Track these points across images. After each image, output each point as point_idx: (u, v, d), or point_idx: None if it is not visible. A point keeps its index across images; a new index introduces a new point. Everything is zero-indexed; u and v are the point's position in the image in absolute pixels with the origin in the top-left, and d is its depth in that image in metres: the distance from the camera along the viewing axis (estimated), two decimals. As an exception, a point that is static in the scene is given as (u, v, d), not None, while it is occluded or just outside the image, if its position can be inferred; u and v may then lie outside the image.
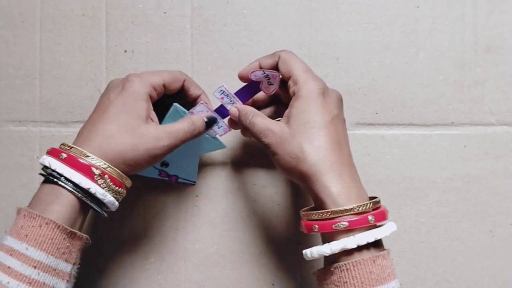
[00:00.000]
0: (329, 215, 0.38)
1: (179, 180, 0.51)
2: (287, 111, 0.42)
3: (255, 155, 0.53)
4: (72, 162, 0.39)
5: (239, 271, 0.53)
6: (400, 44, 0.53)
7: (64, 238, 0.38)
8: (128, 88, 0.42)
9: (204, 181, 0.53)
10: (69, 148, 0.40)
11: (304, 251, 0.40)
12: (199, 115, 0.45)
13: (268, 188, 0.53)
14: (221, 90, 0.45)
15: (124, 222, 0.53)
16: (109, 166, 0.40)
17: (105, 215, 0.41)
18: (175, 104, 0.46)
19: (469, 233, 0.53)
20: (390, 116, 0.53)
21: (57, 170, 0.39)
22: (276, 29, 0.54)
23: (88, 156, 0.39)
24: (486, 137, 0.53)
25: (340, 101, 0.43)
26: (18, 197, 0.53)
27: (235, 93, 0.46)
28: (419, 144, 0.53)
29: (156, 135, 0.42)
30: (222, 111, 0.47)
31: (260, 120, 0.42)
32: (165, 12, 0.54)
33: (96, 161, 0.39)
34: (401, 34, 0.53)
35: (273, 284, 0.53)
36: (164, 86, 0.44)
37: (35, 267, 0.37)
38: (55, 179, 0.39)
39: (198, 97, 0.47)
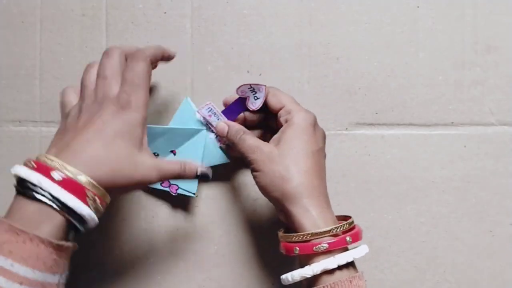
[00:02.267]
0: (309, 237, 0.40)
1: (179, 190, 0.51)
2: (276, 136, 0.45)
3: (255, 155, 0.53)
4: (67, 184, 0.36)
5: (239, 271, 0.53)
6: (400, 44, 0.53)
7: (50, 252, 0.36)
8: (126, 115, 0.40)
9: (204, 181, 0.53)
10: (59, 164, 0.37)
11: (283, 277, 0.42)
12: (194, 165, 0.44)
13: (268, 188, 0.53)
14: (209, 108, 0.47)
15: (124, 222, 0.53)
16: (98, 188, 0.38)
17: (83, 232, 0.39)
18: (188, 98, 0.47)
19: (469, 233, 0.53)
20: (390, 116, 0.53)
21: (51, 192, 0.36)
22: (276, 29, 0.54)
23: (82, 178, 0.37)
24: (486, 137, 0.53)
25: (324, 138, 0.46)
26: (18, 197, 0.53)
27: (222, 112, 0.48)
28: (419, 144, 0.53)
29: (149, 168, 0.41)
30: (229, 113, 0.48)
31: (249, 138, 0.45)
32: (165, 12, 0.54)
33: (90, 185, 0.37)
34: (401, 34, 0.53)
35: (273, 284, 0.53)
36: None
37: (21, 283, 0.35)
38: (46, 200, 0.36)
39: (161, 57, 0.47)
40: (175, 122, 0.50)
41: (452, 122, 0.53)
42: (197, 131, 0.50)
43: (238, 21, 0.54)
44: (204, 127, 0.50)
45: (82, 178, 0.37)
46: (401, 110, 0.53)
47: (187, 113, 0.50)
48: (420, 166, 0.53)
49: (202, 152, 0.50)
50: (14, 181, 0.38)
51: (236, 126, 0.47)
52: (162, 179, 0.42)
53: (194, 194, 0.51)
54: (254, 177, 0.44)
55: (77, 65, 0.54)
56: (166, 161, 0.44)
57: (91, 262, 0.52)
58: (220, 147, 0.50)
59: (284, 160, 0.43)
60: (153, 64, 0.47)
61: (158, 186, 0.51)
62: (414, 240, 0.53)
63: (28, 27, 0.54)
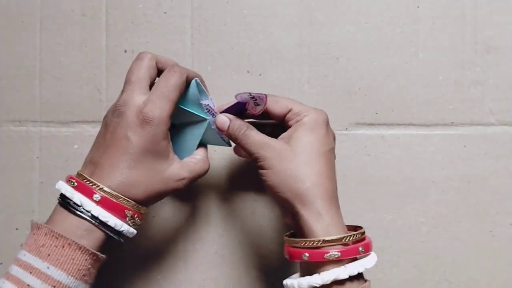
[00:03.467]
0: (321, 243, 0.38)
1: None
2: (286, 133, 0.42)
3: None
4: (106, 204, 0.39)
5: (239, 271, 0.53)
6: (400, 44, 0.53)
7: (86, 260, 0.38)
8: (150, 131, 0.40)
9: (204, 181, 0.53)
10: (99, 188, 0.39)
11: (287, 283, 0.40)
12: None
13: (268, 188, 0.53)
14: (207, 109, 0.44)
15: (124, 222, 0.53)
16: (137, 206, 0.41)
17: (122, 241, 0.42)
18: (196, 80, 0.44)
19: (469, 233, 0.53)
20: (390, 116, 0.53)
21: (92, 212, 0.39)
22: (276, 29, 0.54)
23: (119, 198, 0.40)
24: (486, 137, 0.53)
25: (335, 138, 0.44)
26: (18, 197, 0.53)
27: (222, 112, 0.45)
28: (419, 144, 0.53)
29: (179, 176, 0.42)
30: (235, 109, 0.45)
31: (254, 134, 0.42)
32: (165, 12, 0.54)
33: (128, 203, 0.40)
34: (401, 34, 0.53)
35: (272, 284, 0.53)
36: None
37: (54, 286, 0.37)
38: (88, 219, 0.39)
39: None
40: (182, 102, 0.46)
41: (452, 122, 0.53)
42: (201, 120, 0.46)
43: (238, 21, 0.54)
44: (210, 117, 0.46)
45: (119, 199, 0.40)
46: (401, 110, 0.53)
47: (192, 97, 0.45)
48: (420, 166, 0.53)
49: (197, 143, 0.47)
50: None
51: (237, 122, 0.43)
52: (193, 180, 0.43)
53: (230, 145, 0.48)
54: (262, 175, 0.41)
55: (77, 65, 0.54)
56: (193, 162, 0.44)
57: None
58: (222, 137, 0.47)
59: (297, 159, 0.40)
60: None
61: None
62: (414, 240, 0.53)
63: (28, 27, 0.54)
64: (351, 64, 0.53)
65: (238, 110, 0.45)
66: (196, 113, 0.45)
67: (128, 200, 0.40)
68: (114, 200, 0.39)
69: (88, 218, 0.39)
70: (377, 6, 0.54)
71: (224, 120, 0.44)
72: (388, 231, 0.53)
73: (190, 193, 0.53)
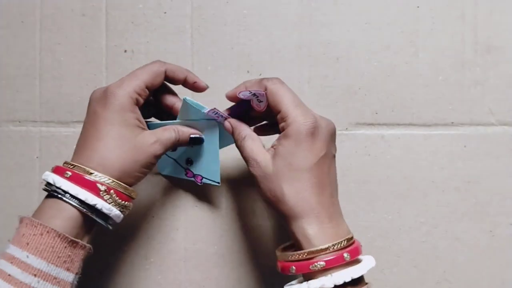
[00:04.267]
0: (306, 255, 0.38)
1: (204, 180, 0.50)
2: (275, 143, 0.41)
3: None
4: (77, 179, 0.40)
5: (239, 271, 0.53)
6: (400, 44, 0.53)
7: (65, 247, 0.38)
8: (113, 102, 0.42)
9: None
10: (72, 166, 0.41)
11: None
12: (186, 130, 0.46)
13: (268, 188, 0.53)
14: (214, 112, 0.45)
15: (124, 222, 0.53)
16: (114, 181, 0.41)
17: (110, 227, 0.42)
18: (186, 98, 0.45)
19: (469, 233, 0.53)
20: (390, 116, 0.53)
21: (62, 187, 0.39)
22: (276, 29, 0.54)
23: (91, 173, 0.40)
24: (486, 137, 0.53)
25: (331, 135, 0.41)
26: (18, 197, 0.53)
27: (229, 112, 0.45)
28: (419, 144, 0.53)
29: (150, 144, 0.42)
30: (234, 114, 0.46)
31: (248, 145, 0.42)
32: (165, 12, 0.54)
33: (101, 178, 0.40)
34: (401, 34, 0.53)
35: (273, 284, 0.53)
36: (147, 87, 0.44)
37: (35, 275, 0.37)
38: (59, 195, 0.39)
39: (184, 79, 0.46)
40: (186, 117, 0.47)
41: (452, 122, 0.53)
42: (210, 123, 0.47)
43: (238, 21, 0.54)
44: (220, 118, 0.46)
45: (91, 174, 0.40)
46: (401, 110, 0.53)
47: (190, 112, 0.46)
48: (420, 166, 0.53)
49: (218, 149, 0.48)
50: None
51: (238, 129, 0.44)
52: (166, 149, 0.44)
53: (218, 183, 0.49)
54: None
55: (77, 65, 0.54)
56: (161, 130, 0.44)
57: (91, 262, 0.52)
58: None
59: (278, 179, 0.39)
60: (170, 79, 0.46)
61: (183, 176, 0.51)
62: (414, 240, 0.53)
63: (28, 27, 0.54)
64: (351, 64, 0.53)
65: (244, 108, 0.45)
66: (204, 118, 0.46)
67: (103, 175, 0.40)
68: (85, 176, 0.40)
69: (59, 195, 0.39)
70: (377, 6, 0.54)
71: (228, 126, 0.45)
72: (388, 231, 0.53)
73: (190, 193, 0.53)
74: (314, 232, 0.38)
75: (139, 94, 0.43)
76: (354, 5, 0.54)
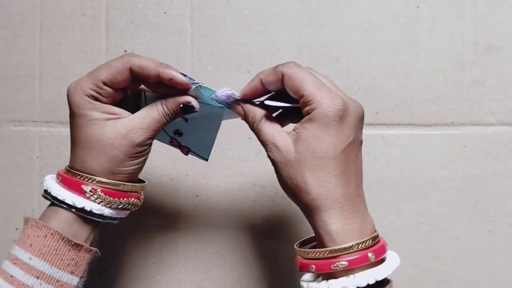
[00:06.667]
0: (327, 254, 0.36)
1: (190, 153, 0.47)
2: (297, 126, 0.37)
3: (255, 155, 0.53)
4: (66, 183, 0.39)
5: (239, 271, 0.53)
6: (400, 44, 0.53)
7: (68, 250, 0.38)
8: (71, 104, 0.40)
9: (204, 181, 0.53)
10: (65, 170, 0.40)
11: (302, 284, 0.38)
12: (174, 98, 0.40)
13: (268, 188, 0.53)
14: (227, 94, 0.41)
15: (124, 222, 0.53)
16: (99, 180, 0.39)
17: (114, 222, 0.42)
18: (202, 84, 0.41)
19: (469, 233, 0.53)
20: (390, 116, 0.53)
21: (51, 192, 0.39)
22: (276, 29, 0.54)
23: (78, 175, 0.39)
24: (486, 137, 0.53)
25: (360, 120, 0.38)
26: (18, 197, 0.53)
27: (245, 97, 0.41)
28: (419, 144, 0.53)
29: (124, 134, 0.38)
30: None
31: (267, 128, 0.39)
32: (165, 12, 0.54)
33: (85, 179, 0.39)
34: (401, 34, 0.53)
35: (273, 284, 0.53)
36: (107, 84, 0.39)
37: (37, 277, 0.37)
38: (52, 200, 0.39)
39: (156, 76, 0.39)
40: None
41: (452, 122, 0.53)
42: (217, 110, 0.43)
43: (238, 21, 0.54)
44: (224, 107, 0.43)
45: (77, 176, 0.39)
46: (401, 110, 0.53)
47: (202, 97, 0.42)
48: (420, 166, 0.53)
49: (216, 135, 0.45)
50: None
51: (251, 111, 0.40)
52: (152, 129, 0.39)
53: (206, 159, 0.46)
54: (277, 178, 0.39)
55: (77, 65, 0.54)
56: (143, 110, 0.40)
57: (91, 262, 0.52)
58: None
59: (301, 167, 0.36)
60: (140, 77, 0.40)
61: (168, 144, 0.46)
62: (414, 240, 0.53)
63: (28, 27, 0.54)
64: (351, 64, 0.53)
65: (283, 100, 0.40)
66: (213, 104, 0.42)
67: (86, 175, 0.39)
68: (71, 177, 0.39)
69: (52, 200, 0.39)
70: (377, 6, 0.54)
71: (239, 110, 0.41)
72: (388, 231, 0.53)
73: (190, 193, 0.53)
74: (337, 228, 0.36)
75: (97, 92, 0.39)
76: (354, 5, 0.54)
